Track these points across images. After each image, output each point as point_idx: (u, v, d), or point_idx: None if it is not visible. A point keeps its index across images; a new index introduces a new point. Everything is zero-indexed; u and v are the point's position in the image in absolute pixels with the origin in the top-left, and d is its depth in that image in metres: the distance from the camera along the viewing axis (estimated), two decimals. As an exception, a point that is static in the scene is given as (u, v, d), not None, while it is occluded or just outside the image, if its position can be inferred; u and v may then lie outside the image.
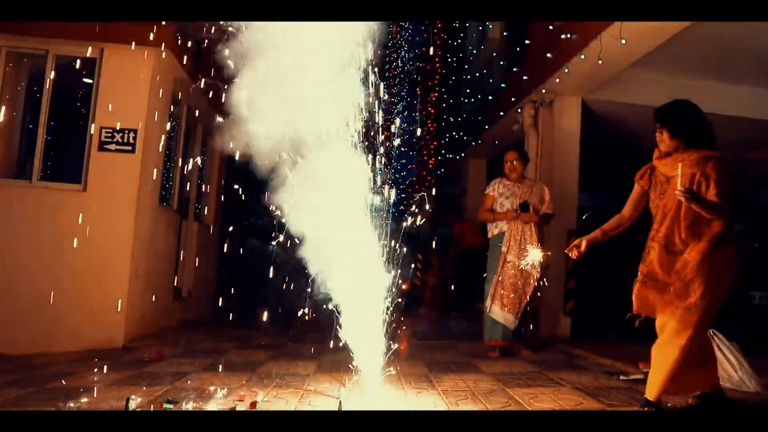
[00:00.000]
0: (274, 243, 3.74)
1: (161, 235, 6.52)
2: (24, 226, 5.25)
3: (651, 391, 3.06)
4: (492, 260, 5.33)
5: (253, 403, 3.24)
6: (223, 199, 9.69)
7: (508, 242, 5.19)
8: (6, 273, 5.19)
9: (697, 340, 3.12)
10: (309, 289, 3.62)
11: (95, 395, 3.44)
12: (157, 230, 6.31)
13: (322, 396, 3.51)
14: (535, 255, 4.76)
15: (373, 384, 3.76)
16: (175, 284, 7.39)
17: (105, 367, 4.39)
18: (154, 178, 6.06)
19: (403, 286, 13.71)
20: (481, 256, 9.25)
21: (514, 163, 5.36)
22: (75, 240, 5.28)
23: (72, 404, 3.18)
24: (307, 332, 6.39)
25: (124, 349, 5.27)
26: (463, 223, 9.58)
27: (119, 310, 5.38)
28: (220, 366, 4.47)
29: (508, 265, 5.15)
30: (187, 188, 7.90)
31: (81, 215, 5.31)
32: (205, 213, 9.17)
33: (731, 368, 3.77)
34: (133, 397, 3.33)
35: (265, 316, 7.82)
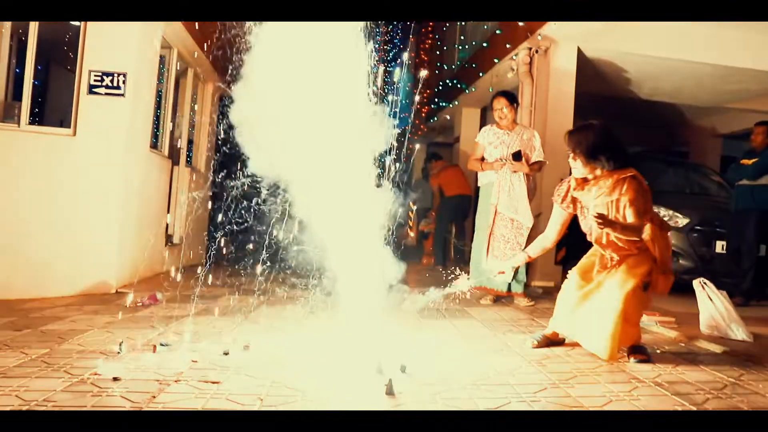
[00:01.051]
0: (265, 189, 3.70)
1: (152, 181, 6.46)
2: (13, 172, 5.16)
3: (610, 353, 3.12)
4: (482, 211, 5.28)
5: (247, 346, 3.27)
6: (216, 144, 9.60)
7: (498, 193, 5.11)
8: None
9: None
10: (298, 235, 3.60)
11: (88, 338, 3.45)
12: (148, 175, 6.24)
13: (315, 337, 3.52)
14: (525, 217, 4.78)
15: (362, 325, 3.79)
16: (167, 230, 7.37)
17: (98, 310, 4.40)
18: (145, 122, 5.96)
19: (411, 233, 13.74)
20: (474, 203, 9.23)
21: (504, 110, 5.19)
22: (65, 185, 5.23)
23: (66, 346, 3.19)
24: (300, 278, 6.42)
25: (117, 294, 5.27)
26: (439, 173, 9.42)
27: (111, 255, 5.36)
28: (216, 310, 4.49)
29: (499, 217, 5.09)
30: (179, 134, 7.80)
31: (71, 160, 5.25)
32: (197, 159, 9.08)
33: (720, 317, 3.81)
34: (127, 337, 3.35)
35: (257, 266, 7.84)
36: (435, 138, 15.12)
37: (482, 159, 5.28)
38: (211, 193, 10.36)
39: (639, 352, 3.21)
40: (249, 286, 6.08)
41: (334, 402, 2.38)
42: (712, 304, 3.86)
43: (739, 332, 3.76)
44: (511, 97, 5.27)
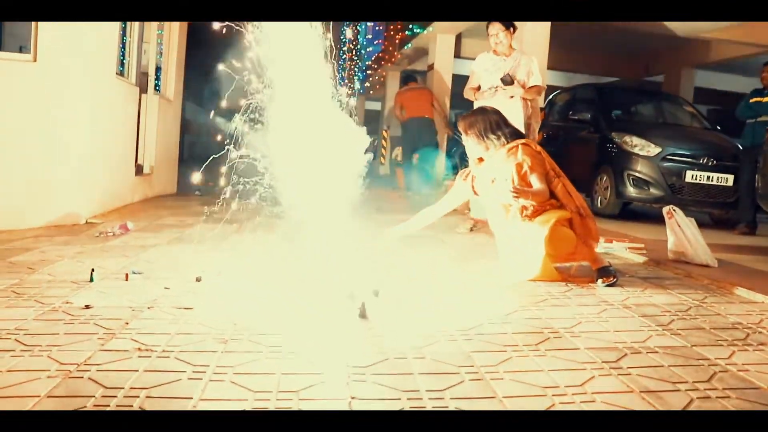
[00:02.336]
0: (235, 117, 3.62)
1: (119, 109, 6.27)
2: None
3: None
4: None
5: (220, 273, 3.26)
6: (183, 72, 9.34)
7: None
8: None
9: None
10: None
11: (59, 267, 3.41)
12: (115, 104, 6.06)
13: (288, 263, 3.53)
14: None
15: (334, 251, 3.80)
16: (137, 160, 7.23)
17: (69, 241, 4.34)
18: (110, 48, 5.74)
19: (382, 162, 13.62)
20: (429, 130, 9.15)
21: (500, 35, 4.92)
22: (28, 114, 5.05)
23: (36, 276, 3.15)
24: (273, 206, 6.39)
25: (88, 225, 5.19)
26: (403, 93, 9.27)
27: (79, 185, 5.24)
28: (188, 238, 4.46)
29: None
30: (146, 61, 7.54)
31: (32, 87, 5.05)
32: (166, 87, 8.84)
33: (687, 243, 3.89)
34: (99, 266, 3.31)
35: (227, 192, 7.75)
36: (408, 66, 14.87)
37: (479, 88, 5.10)
38: (181, 122, 10.15)
39: (606, 274, 3.28)
40: (221, 215, 6.02)
41: (306, 326, 2.39)
42: (680, 230, 3.93)
43: (704, 257, 3.85)
44: (507, 22, 5.00)
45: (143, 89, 7.39)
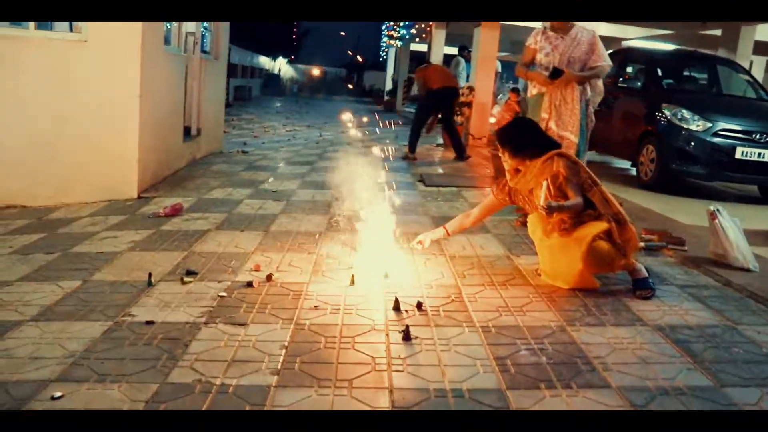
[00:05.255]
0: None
1: (168, 78, 6.39)
2: (28, 80, 5.14)
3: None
4: None
5: (269, 276, 3.42)
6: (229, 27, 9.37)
7: (549, 108, 4.67)
8: (16, 128, 5.17)
9: None
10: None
11: (116, 263, 3.62)
12: (163, 74, 6.17)
13: (334, 268, 3.66)
14: (575, 135, 4.59)
15: (382, 248, 3.93)
16: (184, 123, 7.39)
17: (122, 224, 4.55)
18: (158, 24, 5.81)
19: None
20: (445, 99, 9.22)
21: None
22: (80, 92, 5.22)
23: (98, 276, 3.36)
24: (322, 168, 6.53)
25: (140, 199, 5.41)
26: (424, 70, 9.39)
27: (131, 159, 5.43)
28: (235, 222, 4.62)
29: (552, 134, 4.58)
30: (189, 23, 7.59)
31: (84, 66, 5.20)
32: (212, 46, 8.91)
33: (729, 246, 3.88)
34: (154, 263, 3.51)
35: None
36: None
37: (530, 66, 4.81)
38: (227, 81, 10.24)
39: (644, 287, 3.33)
40: (267, 184, 6.16)
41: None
42: (723, 233, 3.91)
43: (745, 262, 3.85)
44: None
45: (189, 50, 7.48)
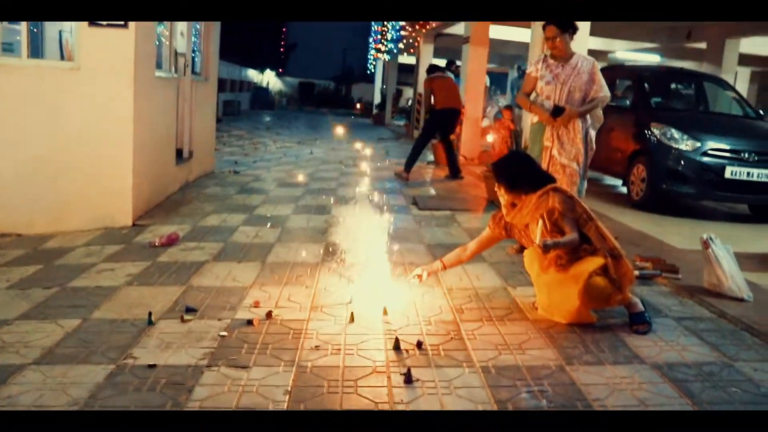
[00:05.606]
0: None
1: (160, 102, 6.40)
2: (20, 108, 5.15)
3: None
4: (533, 152, 4.83)
5: (269, 313, 3.43)
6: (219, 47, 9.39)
7: (552, 137, 4.70)
8: (10, 156, 5.17)
9: None
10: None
11: (115, 299, 3.62)
12: (155, 99, 6.18)
13: (333, 304, 3.68)
14: (578, 164, 4.64)
15: (379, 281, 3.96)
16: (176, 146, 7.38)
17: (119, 255, 4.55)
18: (149, 48, 5.82)
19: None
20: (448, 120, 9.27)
21: (556, 41, 4.59)
22: (74, 120, 5.22)
23: (97, 314, 3.36)
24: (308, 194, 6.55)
25: (135, 227, 5.40)
26: (432, 80, 9.30)
27: (126, 186, 5.43)
28: (232, 253, 4.63)
29: (552, 162, 4.69)
30: (182, 47, 7.61)
31: (77, 94, 5.21)
32: (202, 67, 8.92)
33: (723, 276, 3.93)
34: (153, 298, 3.51)
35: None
36: (443, 29, 14.70)
37: (530, 97, 4.82)
38: (222, 106, 10.23)
39: (640, 321, 3.38)
40: (261, 208, 6.16)
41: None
42: (716, 262, 3.97)
43: (739, 291, 3.90)
44: (564, 23, 4.58)
45: (180, 72, 7.49)
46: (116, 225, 5.41)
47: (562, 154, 4.67)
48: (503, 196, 3.62)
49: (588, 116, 4.79)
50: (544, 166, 4.66)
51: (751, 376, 2.88)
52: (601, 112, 4.89)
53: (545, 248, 3.27)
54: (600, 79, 4.71)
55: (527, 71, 4.95)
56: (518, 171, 3.60)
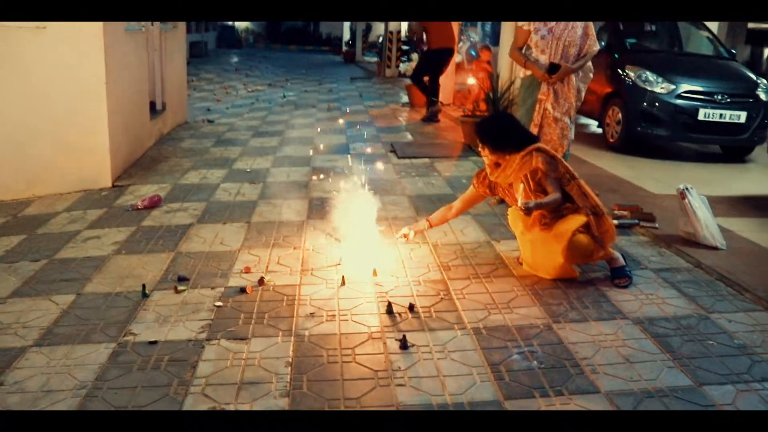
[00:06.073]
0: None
1: (131, 57, 6.24)
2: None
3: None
4: (525, 105, 4.83)
5: (261, 279, 3.49)
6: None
7: (548, 92, 4.67)
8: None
9: None
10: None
11: (105, 270, 3.64)
12: (126, 54, 6.02)
13: (323, 266, 3.74)
14: (569, 118, 4.66)
15: (365, 239, 4.02)
16: (150, 99, 7.24)
17: (102, 219, 4.53)
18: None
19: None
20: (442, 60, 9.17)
21: None
22: (45, 81, 5.08)
23: (90, 288, 3.39)
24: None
25: (114, 189, 5.36)
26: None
27: (103, 146, 5.35)
28: (216, 214, 4.64)
29: (548, 116, 4.68)
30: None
31: (45, 54, 5.05)
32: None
33: (698, 225, 4.07)
34: (143, 268, 3.54)
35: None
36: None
37: (524, 52, 4.76)
38: (188, 48, 9.97)
39: (621, 275, 3.51)
40: (240, 162, 6.11)
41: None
42: (692, 212, 4.10)
43: (714, 240, 4.05)
44: None
45: (147, 24, 7.26)
46: (95, 186, 5.36)
47: (556, 108, 4.68)
48: (487, 157, 3.66)
49: (580, 73, 4.80)
50: (537, 119, 4.69)
51: (726, 327, 3.04)
52: (591, 64, 4.91)
53: (527, 210, 3.34)
54: (593, 33, 4.70)
55: (519, 24, 4.87)
56: (502, 132, 3.62)
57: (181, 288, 3.38)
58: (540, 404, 2.39)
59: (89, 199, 5.08)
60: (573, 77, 4.71)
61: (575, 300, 3.31)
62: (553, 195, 3.45)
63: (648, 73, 7.13)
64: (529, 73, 4.76)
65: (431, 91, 9.29)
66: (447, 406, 2.36)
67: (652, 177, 6.18)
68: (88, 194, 5.22)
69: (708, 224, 4.09)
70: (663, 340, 2.90)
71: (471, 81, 8.53)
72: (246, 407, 2.34)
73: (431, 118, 9.18)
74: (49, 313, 3.09)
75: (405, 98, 11.46)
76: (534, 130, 4.62)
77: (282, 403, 2.37)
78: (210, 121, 9.13)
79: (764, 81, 7.35)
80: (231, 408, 2.33)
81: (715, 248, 4.05)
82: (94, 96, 5.26)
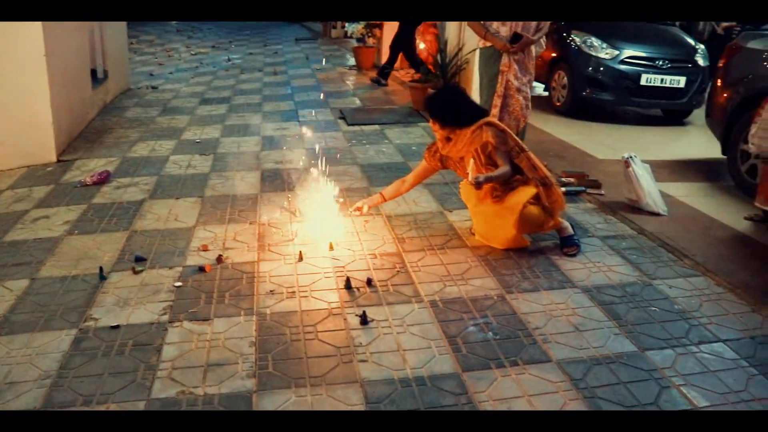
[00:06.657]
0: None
1: (70, 26, 6.00)
2: None
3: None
4: (487, 76, 4.83)
5: (219, 257, 3.50)
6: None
7: (509, 63, 4.67)
8: None
9: None
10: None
11: (59, 252, 3.59)
12: (64, 23, 5.80)
13: (279, 241, 3.77)
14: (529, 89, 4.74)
15: (319, 211, 4.06)
16: (91, 66, 7.01)
17: (50, 198, 4.43)
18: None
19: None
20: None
21: None
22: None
23: (45, 272, 3.34)
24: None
25: (60, 164, 5.23)
26: None
27: (46, 122, 5.19)
28: (167, 188, 4.59)
29: (511, 87, 4.71)
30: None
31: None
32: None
33: (642, 192, 4.26)
34: (98, 248, 3.51)
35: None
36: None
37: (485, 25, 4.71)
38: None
39: (570, 244, 3.66)
40: (189, 134, 6.02)
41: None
42: (636, 179, 4.28)
43: (656, 206, 4.25)
44: None
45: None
46: (39, 162, 5.21)
47: (519, 79, 4.71)
48: (438, 131, 3.71)
49: (537, 46, 4.90)
50: (500, 90, 4.71)
51: (667, 293, 3.22)
52: (544, 38, 5.00)
53: (478, 185, 3.42)
54: None
55: None
56: (452, 107, 3.66)
57: (138, 269, 3.37)
58: (496, 375, 2.52)
59: (34, 176, 4.95)
60: (533, 48, 4.78)
61: (527, 270, 3.45)
62: (503, 168, 3.54)
63: (593, 38, 7.28)
64: (489, 44, 4.77)
65: (390, 60, 9.20)
66: (408, 381, 2.47)
67: (598, 141, 6.37)
68: (32, 170, 5.08)
69: (651, 191, 4.28)
70: (609, 307, 3.06)
71: (421, 45, 8.50)
72: (214, 390, 2.39)
73: (379, 82, 9.15)
74: (3, 300, 3.05)
75: (352, 61, 11.37)
76: (498, 101, 4.70)
77: (249, 384, 2.43)
78: (154, 88, 8.91)
79: (702, 47, 7.59)
80: (200, 391, 2.38)
81: (658, 214, 4.25)
82: (34, 70, 5.06)
